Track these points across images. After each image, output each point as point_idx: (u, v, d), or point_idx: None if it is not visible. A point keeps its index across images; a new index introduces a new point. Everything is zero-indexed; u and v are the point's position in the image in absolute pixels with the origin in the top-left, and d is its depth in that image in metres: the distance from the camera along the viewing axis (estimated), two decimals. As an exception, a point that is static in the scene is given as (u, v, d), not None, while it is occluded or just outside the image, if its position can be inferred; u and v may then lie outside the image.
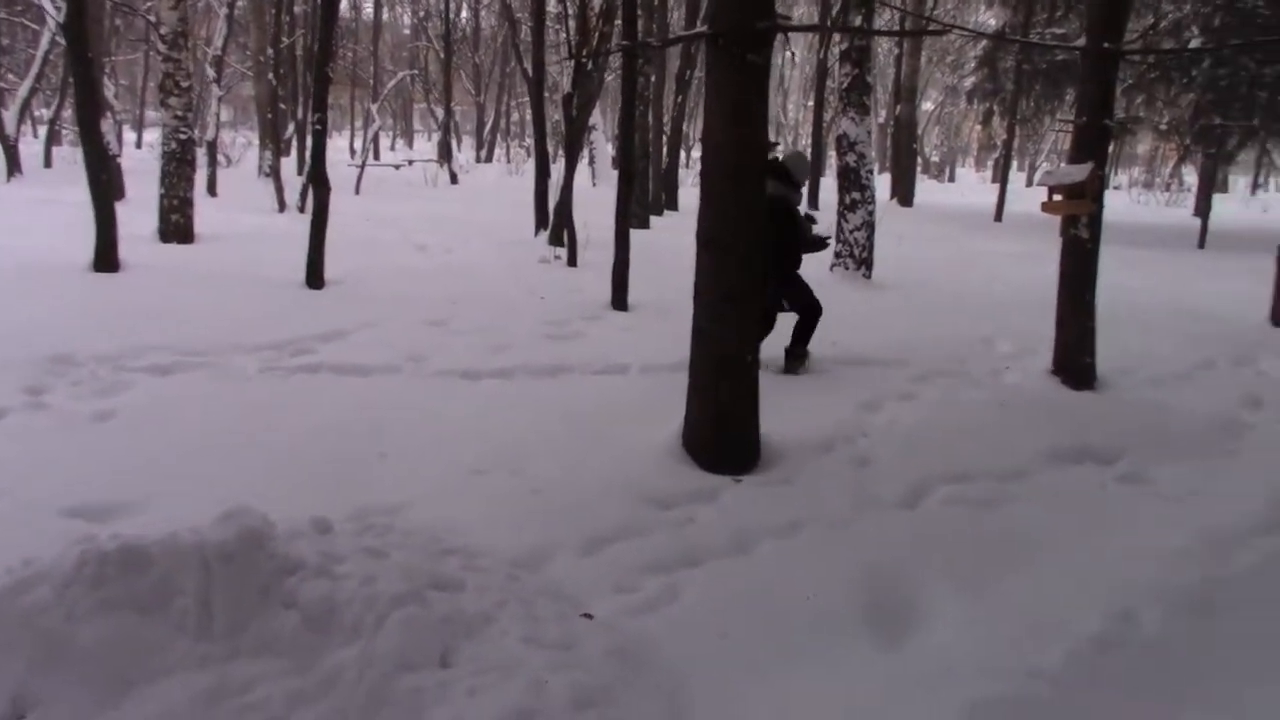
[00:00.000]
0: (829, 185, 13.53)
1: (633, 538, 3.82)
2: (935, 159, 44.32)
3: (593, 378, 6.34)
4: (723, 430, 4.66)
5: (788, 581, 3.50)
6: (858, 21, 11.05)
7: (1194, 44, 15.85)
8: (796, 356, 6.72)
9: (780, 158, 6.78)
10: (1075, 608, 3.33)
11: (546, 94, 16.26)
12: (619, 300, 8.63)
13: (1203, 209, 19.97)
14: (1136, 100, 21.85)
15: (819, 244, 6.97)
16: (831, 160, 27.59)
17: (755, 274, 4.53)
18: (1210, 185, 22.06)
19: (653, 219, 17.84)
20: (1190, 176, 30.71)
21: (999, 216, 21.93)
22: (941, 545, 3.83)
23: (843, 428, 5.29)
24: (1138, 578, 3.54)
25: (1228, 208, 27.68)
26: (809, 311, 6.78)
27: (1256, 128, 19.68)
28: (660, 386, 5.71)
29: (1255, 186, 43.70)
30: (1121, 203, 31.20)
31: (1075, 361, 6.72)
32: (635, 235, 9.22)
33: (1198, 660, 3.09)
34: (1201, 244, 17.80)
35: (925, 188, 35.78)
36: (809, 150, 25.16)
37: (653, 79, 18.63)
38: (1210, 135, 19.10)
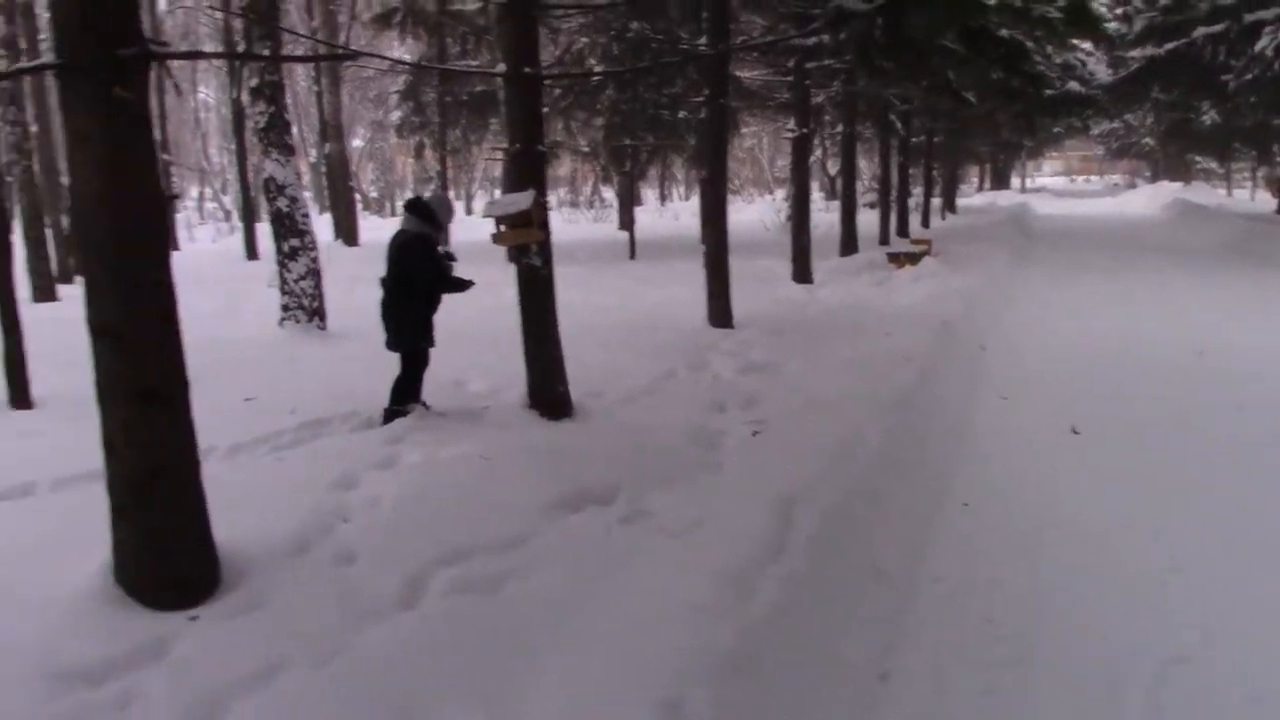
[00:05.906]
0: (267, 231, 12.42)
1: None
2: (375, 195, 43.92)
3: (-17, 507, 4.91)
4: (162, 556, 3.67)
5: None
6: (264, 54, 10.15)
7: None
8: (397, 413, 6.24)
9: (424, 198, 6.66)
10: (619, 706, 2.88)
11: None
12: (19, 397, 6.99)
13: (628, 222, 21.63)
14: (556, 126, 23.21)
15: (462, 284, 6.60)
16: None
17: (173, 364, 3.61)
18: (631, 200, 24.02)
19: (62, 288, 15.37)
20: (609, 193, 33.36)
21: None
22: (454, 651, 3.22)
23: (317, 516, 4.46)
24: (673, 647, 3.17)
25: (645, 219, 30.45)
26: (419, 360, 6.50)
27: (659, 145, 21.82)
28: (84, 504, 4.44)
29: (663, 198, 49.10)
30: (555, 222, 32.90)
31: (550, 392, 6.54)
32: (40, 310, 7.61)
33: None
34: (633, 255, 19.20)
35: (370, 224, 35.31)
36: (239, 196, 23.55)
37: (34, 127, 16.08)
38: (623, 154, 20.75)
